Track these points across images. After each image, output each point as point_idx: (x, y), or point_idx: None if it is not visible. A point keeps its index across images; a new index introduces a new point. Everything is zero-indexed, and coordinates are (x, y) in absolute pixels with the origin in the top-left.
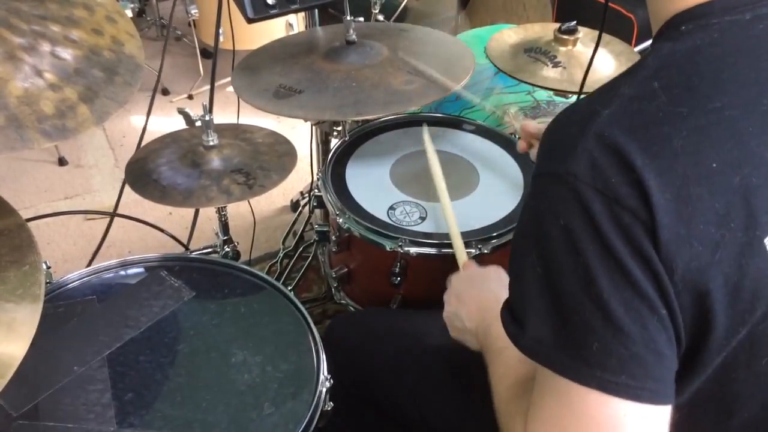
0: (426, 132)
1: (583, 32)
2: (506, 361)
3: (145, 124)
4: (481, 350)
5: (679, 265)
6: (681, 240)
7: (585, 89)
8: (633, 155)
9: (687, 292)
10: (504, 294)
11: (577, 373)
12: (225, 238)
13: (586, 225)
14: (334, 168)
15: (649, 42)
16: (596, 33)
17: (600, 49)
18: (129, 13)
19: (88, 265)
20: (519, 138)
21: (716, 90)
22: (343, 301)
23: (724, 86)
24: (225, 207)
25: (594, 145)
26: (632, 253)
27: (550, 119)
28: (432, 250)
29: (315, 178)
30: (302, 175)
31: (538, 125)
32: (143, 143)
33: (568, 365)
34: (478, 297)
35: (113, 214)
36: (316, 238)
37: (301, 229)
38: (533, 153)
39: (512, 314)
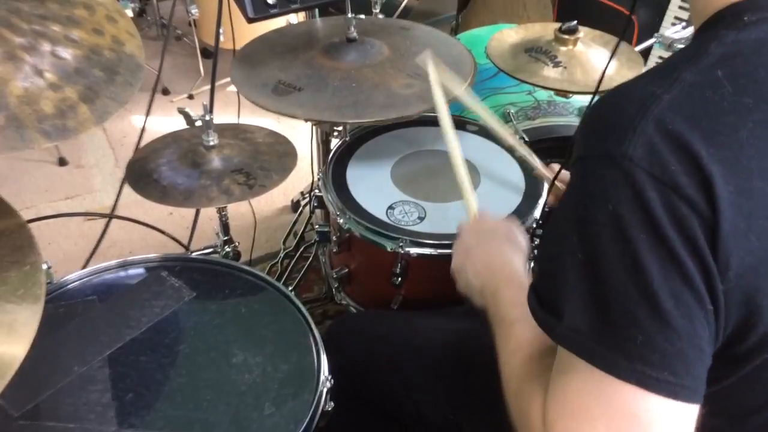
0: (430, 59)
1: (584, 32)
2: (519, 334)
3: (144, 124)
4: (488, 313)
5: (736, 260)
6: (740, 234)
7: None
8: (696, 145)
9: (738, 289)
10: (516, 256)
11: (615, 367)
12: (225, 238)
13: (639, 212)
14: (335, 168)
15: (651, 41)
16: (596, 33)
17: (600, 49)
18: (129, 13)
19: (85, 265)
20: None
21: None
22: (343, 302)
23: None
24: (225, 207)
25: (654, 130)
26: (685, 244)
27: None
28: (433, 251)
29: (316, 178)
30: (303, 175)
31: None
32: (143, 142)
33: (606, 357)
34: (486, 254)
35: (111, 216)
36: (317, 239)
37: (302, 229)
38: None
39: (542, 300)
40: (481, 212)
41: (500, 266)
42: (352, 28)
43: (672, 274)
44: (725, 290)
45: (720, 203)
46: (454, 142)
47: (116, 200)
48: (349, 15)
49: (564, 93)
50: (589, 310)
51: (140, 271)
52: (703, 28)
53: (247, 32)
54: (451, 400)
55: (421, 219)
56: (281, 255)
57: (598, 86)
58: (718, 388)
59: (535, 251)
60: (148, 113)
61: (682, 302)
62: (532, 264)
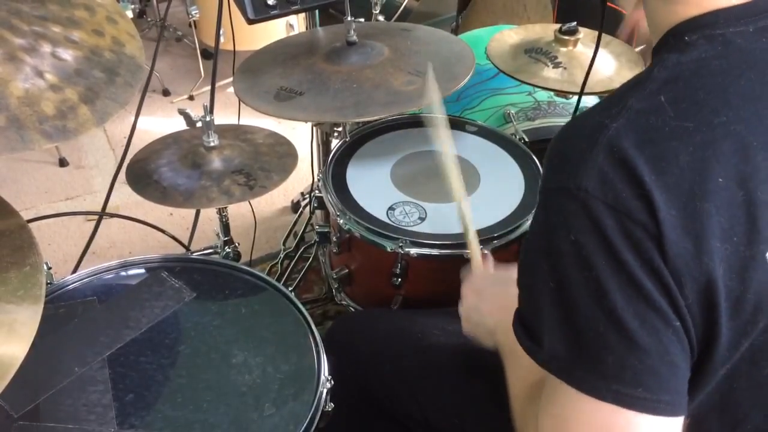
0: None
1: (584, 33)
2: (526, 363)
3: (134, 123)
4: (499, 348)
5: (688, 279)
6: (689, 255)
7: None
8: (641, 170)
9: (696, 305)
10: None
11: (592, 387)
12: (226, 238)
13: (597, 239)
14: (335, 169)
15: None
16: (596, 33)
17: (600, 50)
18: (130, 14)
19: (76, 266)
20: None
21: (722, 104)
22: (343, 302)
23: (730, 100)
24: (226, 208)
25: (603, 159)
26: (643, 266)
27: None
28: (433, 251)
29: (316, 179)
30: (303, 175)
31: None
32: (137, 143)
33: (583, 378)
34: (500, 296)
35: (111, 215)
36: (317, 239)
37: (302, 229)
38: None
39: (525, 327)
40: (485, 258)
41: (513, 305)
42: (352, 31)
43: (633, 296)
44: (687, 305)
45: (664, 227)
46: (465, 204)
47: (106, 200)
48: (349, 18)
49: (564, 94)
50: (563, 335)
51: (140, 271)
52: (653, 52)
53: (247, 33)
54: (456, 405)
55: (422, 219)
56: (281, 255)
57: (584, 85)
58: (702, 398)
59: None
60: (138, 112)
61: (646, 322)
62: None
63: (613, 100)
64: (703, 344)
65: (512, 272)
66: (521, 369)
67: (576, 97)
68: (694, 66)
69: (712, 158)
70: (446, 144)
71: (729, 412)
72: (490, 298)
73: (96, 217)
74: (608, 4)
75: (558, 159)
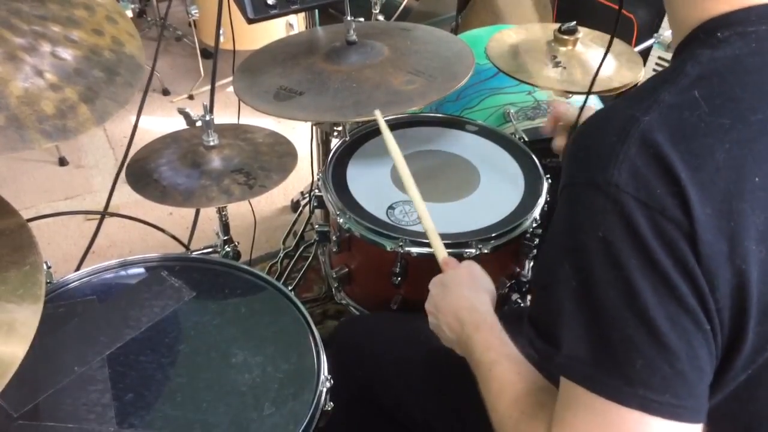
0: (379, 116)
1: (583, 32)
2: (500, 375)
3: (136, 122)
4: (468, 361)
5: (721, 281)
6: (722, 256)
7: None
8: (677, 165)
9: (726, 309)
10: (479, 298)
11: (617, 393)
12: (225, 238)
13: (629, 237)
14: (335, 168)
15: (651, 41)
16: (596, 33)
17: (600, 50)
18: (129, 14)
19: (79, 265)
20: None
21: (759, 102)
22: (343, 302)
23: (767, 98)
24: (225, 207)
25: (636, 153)
26: (677, 266)
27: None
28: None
29: (315, 178)
30: (303, 175)
31: (568, 107)
32: (137, 142)
33: (608, 384)
34: (453, 305)
35: (111, 214)
36: (317, 238)
37: (302, 229)
38: (557, 143)
39: (538, 330)
40: (445, 260)
41: (467, 314)
42: (352, 31)
43: (666, 296)
44: (717, 309)
45: (698, 226)
46: (421, 205)
47: (108, 199)
48: (348, 17)
49: (564, 93)
50: (587, 337)
51: (140, 270)
52: (679, 48)
53: (247, 33)
54: (459, 409)
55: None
56: (281, 255)
57: (592, 85)
58: (716, 404)
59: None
60: (139, 112)
61: (678, 324)
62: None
63: (643, 93)
64: (727, 349)
65: (461, 271)
66: (498, 382)
67: (575, 97)
68: (729, 62)
69: (748, 156)
70: (394, 148)
71: (745, 420)
72: (445, 310)
73: (95, 216)
74: (613, 5)
75: (585, 152)
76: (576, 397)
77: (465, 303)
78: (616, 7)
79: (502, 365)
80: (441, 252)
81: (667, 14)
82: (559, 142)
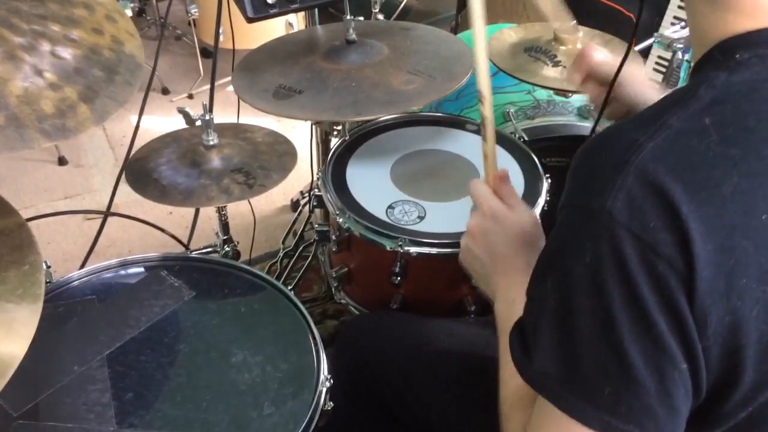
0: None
1: (583, 32)
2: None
3: (138, 122)
4: (496, 320)
5: (714, 318)
6: (719, 294)
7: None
8: (678, 198)
9: (718, 347)
10: (526, 261)
11: (582, 414)
12: (225, 237)
13: (615, 268)
14: (335, 167)
15: (651, 41)
16: (596, 32)
17: (599, 49)
18: (129, 13)
19: (82, 265)
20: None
21: None
22: (343, 301)
23: None
24: (225, 206)
25: (634, 182)
26: (661, 303)
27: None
28: (432, 250)
29: (315, 178)
30: (302, 174)
31: (604, 57)
32: (137, 142)
33: (574, 404)
34: (506, 258)
35: (111, 214)
36: (316, 238)
37: (302, 228)
38: (588, 91)
39: (521, 338)
40: (499, 177)
41: (518, 275)
42: (351, 30)
43: (643, 334)
44: (704, 347)
45: (697, 263)
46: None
47: (111, 198)
48: (348, 17)
49: (563, 92)
50: (558, 357)
51: (140, 270)
52: (696, 67)
53: (246, 32)
54: (460, 410)
55: (421, 218)
56: (281, 254)
57: (606, 99)
58: None
59: None
60: (141, 111)
61: (652, 361)
62: None
63: (650, 116)
64: (721, 386)
65: (528, 220)
66: (511, 365)
67: (575, 96)
68: (745, 88)
69: (758, 192)
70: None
71: None
72: (493, 256)
73: (94, 216)
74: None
75: (584, 174)
76: (545, 411)
77: (519, 261)
78: (617, 7)
79: None
80: (493, 165)
81: (689, 27)
82: (589, 91)
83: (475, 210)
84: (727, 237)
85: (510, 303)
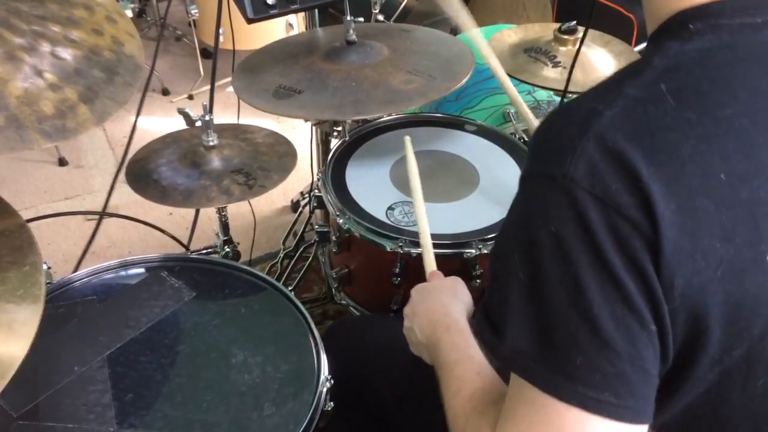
0: (408, 143)
1: (583, 32)
2: (460, 375)
3: (135, 122)
4: (434, 365)
5: (680, 280)
6: (684, 254)
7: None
8: (637, 162)
9: (684, 309)
10: (455, 306)
11: (557, 388)
12: (225, 238)
13: (580, 233)
14: (335, 168)
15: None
16: (596, 33)
17: (599, 49)
18: (129, 14)
19: (78, 265)
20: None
21: (727, 97)
22: (343, 302)
23: (736, 93)
24: (225, 207)
25: (594, 148)
26: (627, 265)
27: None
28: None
29: (315, 179)
30: (302, 175)
31: None
32: (136, 141)
33: (548, 379)
34: (429, 310)
35: (110, 215)
36: (317, 239)
37: (302, 229)
38: None
39: (489, 319)
40: (432, 273)
41: (440, 317)
42: (351, 31)
43: (612, 296)
44: (671, 310)
45: (661, 223)
46: (422, 216)
47: (107, 199)
48: (348, 17)
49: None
50: (530, 331)
51: (140, 271)
52: (651, 39)
53: (246, 33)
54: (445, 420)
55: None
56: (281, 255)
57: (566, 85)
58: (689, 405)
59: None
60: (139, 112)
61: (622, 324)
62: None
63: (607, 86)
64: (688, 349)
65: (446, 281)
66: (456, 381)
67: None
68: (698, 56)
69: (715, 152)
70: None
71: (718, 424)
72: (421, 314)
73: (95, 216)
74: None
75: (544, 145)
76: (519, 390)
77: (440, 307)
78: (616, 7)
79: (463, 365)
80: (431, 265)
81: (643, 3)
82: None
83: (406, 307)
84: (688, 198)
85: (453, 350)
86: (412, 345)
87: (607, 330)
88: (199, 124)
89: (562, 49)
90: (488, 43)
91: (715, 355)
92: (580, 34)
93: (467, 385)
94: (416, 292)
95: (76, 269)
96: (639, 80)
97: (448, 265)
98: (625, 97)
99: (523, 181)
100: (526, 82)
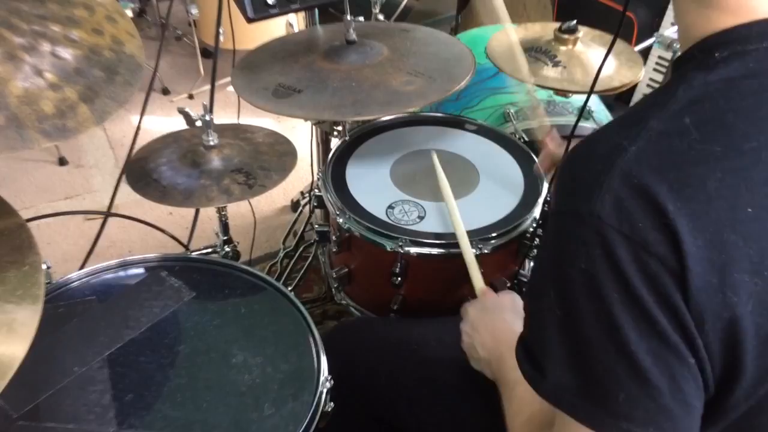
0: (435, 158)
1: (584, 32)
2: (520, 395)
3: (139, 123)
4: (495, 381)
5: (710, 315)
6: (713, 289)
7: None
8: (663, 198)
9: (717, 342)
10: (516, 322)
11: (601, 424)
12: (225, 238)
13: (610, 271)
14: (335, 168)
15: (651, 41)
16: (596, 33)
17: (600, 49)
18: (129, 13)
19: (82, 265)
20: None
21: (753, 128)
22: (343, 302)
23: (762, 124)
24: (225, 207)
25: (620, 185)
26: (658, 301)
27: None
28: (433, 250)
29: (315, 178)
30: (302, 174)
31: (559, 145)
32: (137, 142)
33: (592, 414)
34: (492, 326)
35: (111, 214)
36: (317, 238)
37: (302, 229)
38: (543, 166)
39: (529, 354)
40: (484, 289)
41: (507, 335)
42: (351, 30)
43: (647, 332)
44: (705, 343)
45: (688, 259)
46: (464, 237)
47: (112, 199)
48: (348, 17)
49: (564, 92)
50: (570, 367)
51: (140, 271)
52: (676, 63)
53: (247, 32)
54: (452, 418)
55: (421, 218)
56: (281, 255)
57: (592, 89)
58: None
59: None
60: (143, 112)
61: (660, 359)
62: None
63: (631, 118)
64: (724, 381)
65: (505, 298)
66: (517, 401)
67: (575, 96)
68: (723, 86)
69: (741, 185)
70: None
71: None
72: (482, 329)
73: (95, 216)
74: (613, 5)
75: (571, 181)
76: (565, 424)
77: (504, 325)
78: (617, 7)
79: (525, 385)
80: (479, 282)
81: (676, 23)
82: (544, 167)
83: (464, 323)
84: (716, 232)
85: (515, 369)
86: (472, 360)
87: (646, 366)
88: (199, 123)
89: (562, 48)
90: (488, 43)
91: (748, 387)
92: (581, 34)
93: (526, 407)
94: (474, 309)
95: (80, 270)
96: (663, 113)
97: (448, 264)
98: (650, 131)
99: (552, 217)
100: (527, 82)
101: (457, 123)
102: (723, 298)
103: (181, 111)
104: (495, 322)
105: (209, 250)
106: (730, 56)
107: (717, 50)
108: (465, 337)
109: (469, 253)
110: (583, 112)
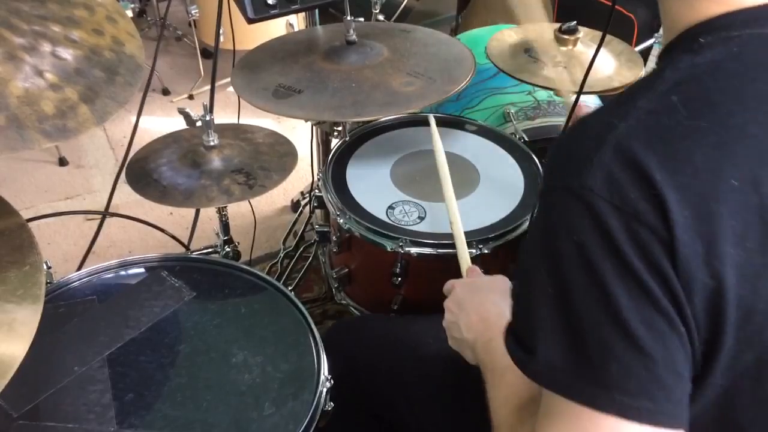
0: (433, 125)
1: (584, 32)
2: (510, 381)
3: (136, 122)
4: (480, 365)
5: (697, 284)
6: (700, 259)
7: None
8: (652, 170)
9: (703, 312)
10: (507, 308)
11: (593, 399)
12: (225, 238)
13: (602, 241)
14: (335, 168)
15: (651, 41)
16: (596, 33)
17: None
18: (129, 13)
19: (81, 265)
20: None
21: (738, 106)
22: (343, 302)
23: (746, 102)
24: (225, 207)
25: (611, 159)
26: (650, 270)
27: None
28: (433, 251)
29: (315, 178)
30: (303, 175)
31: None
32: (136, 142)
33: (583, 390)
34: (480, 307)
35: (111, 214)
36: (317, 239)
37: (302, 229)
38: None
39: (517, 338)
40: (472, 268)
41: (495, 317)
42: (351, 31)
43: (641, 300)
44: (693, 314)
45: (676, 229)
46: (455, 211)
47: (109, 199)
48: (348, 17)
49: (565, 93)
50: (562, 343)
51: (140, 270)
52: (662, 53)
53: (247, 33)
54: (450, 414)
55: (421, 219)
56: (281, 255)
57: (582, 85)
58: (699, 411)
59: None
60: (140, 112)
61: (653, 328)
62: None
63: (621, 100)
64: (706, 354)
65: (496, 279)
66: (507, 388)
67: (574, 96)
68: (709, 68)
69: (726, 159)
70: (440, 152)
71: (727, 429)
72: (470, 310)
73: (95, 216)
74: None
75: (562, 158)
76: (552, 404)
77: (495, 308)
78: (617, 7)
79: (515, 372)
80: (466, 260)
81: (660, 13)
82: None
83: (449, 300)
84: (702, 203)
85: (505, 355)
86: (451, 339)
87: (640, 334)
88: (199, 124)
89: (563, 49)
90: (488, 43)
91: (727, 359)
92: (581, 34)
93: (515, 394)
94: (462, 286)
95: (78, 269)
96: (651, 93)
97: (448, 265)
98: (638, 110)
99: (542, 195)
100: (527, 82)
101: (457, 123)
102: (710, 268)
103: (182, 111)
104: (485, 304)
105: (210, 250)
106: (715, 41)
107: (702, 36)
108: (448, 314)
109: (457, 223)
110: (573, 110)
